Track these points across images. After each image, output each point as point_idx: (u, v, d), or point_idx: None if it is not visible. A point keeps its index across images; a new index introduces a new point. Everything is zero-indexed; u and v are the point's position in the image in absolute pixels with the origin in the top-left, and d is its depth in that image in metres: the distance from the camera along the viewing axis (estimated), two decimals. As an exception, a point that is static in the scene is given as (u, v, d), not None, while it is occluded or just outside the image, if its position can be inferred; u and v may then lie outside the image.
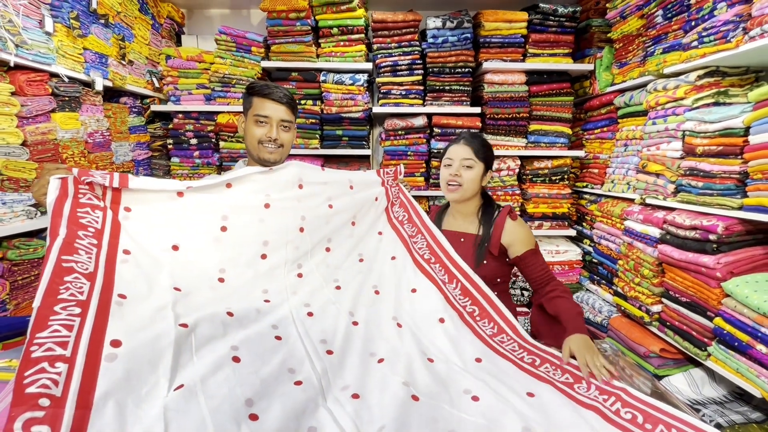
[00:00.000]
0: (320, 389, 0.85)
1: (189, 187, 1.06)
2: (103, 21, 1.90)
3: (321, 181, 1.31)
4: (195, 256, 1.02)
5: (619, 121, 2.23)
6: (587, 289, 2.42)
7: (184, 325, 0.82)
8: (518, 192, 2.47)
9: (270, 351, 0.89)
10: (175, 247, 1.00)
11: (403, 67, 2.34)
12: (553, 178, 2.47)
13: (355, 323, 1.07)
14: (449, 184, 1.37)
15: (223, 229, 1.08)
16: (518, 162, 2.45)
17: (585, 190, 2.51)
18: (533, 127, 2.44)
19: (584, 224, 2.52)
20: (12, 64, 1.46)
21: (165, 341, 0.77)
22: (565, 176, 2.48)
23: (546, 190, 2.46)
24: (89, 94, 1.90)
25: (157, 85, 2.40)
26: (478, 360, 1.02)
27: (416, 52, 2.34)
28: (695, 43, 1.66)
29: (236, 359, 0.82)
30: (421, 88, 2.39)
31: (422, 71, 2.37)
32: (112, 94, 2.18)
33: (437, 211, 1.57)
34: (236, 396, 0.74)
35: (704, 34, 1.61)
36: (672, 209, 1.73)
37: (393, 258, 1.33)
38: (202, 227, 1.06)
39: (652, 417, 0.80)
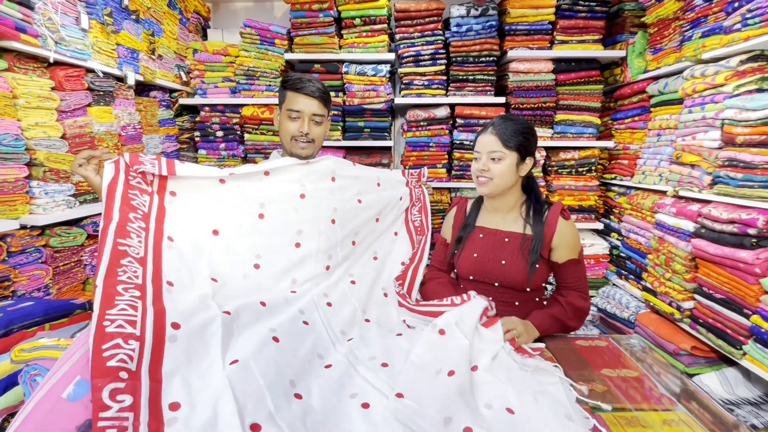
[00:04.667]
0: (350, 365, 0.90)
1: (232, 173, 1.09)
2: (134, 17, 1.96)
3: (353, 175, 1.33)
4: (234, 241, 1.05)
5: (652, 109, 2.14)
6: (614, 284, 2.35)
7: (227, 312, 0.86)
8: (543, 184, 2.41)
9: (302, 334, 0.94)
10: (216, 232, 1.04)
11: (426, 57, 2.31)
12: (580, 169, 2.40)
13: (367, 320, 1.13)
14: (479, 179, 1.24)
15: (261, 216, 1.11)
16: (543, 153, 2.39)
17: (613, 182, 2.43)
18: (560, 117, 2.36)
19: (612, 217, 2.44)
20: (52, 60, 1.53)
21: (214, 326, 0.81)
22: (593, 168, 2.40)
23: (572, 182, 2.39)
24: (122, 89, 1.97)
25: (184, 78, 2.46)
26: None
27: (439, 42, 2.30)
28: (738, 26, 1.57)
29: (276, 339, 0.87)
30: (444, 78, 2.35)
31: (445, 61, 2.33)
32: (142, 88, 2.25)
33: (466, 205, 1.38)
34: (283, 375, 0.79)
35: (748, 15, 1.52)
36: (707, 202, 1.66)
37: (402, 263, 1.37)
38: (242, 214, 1.10)
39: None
